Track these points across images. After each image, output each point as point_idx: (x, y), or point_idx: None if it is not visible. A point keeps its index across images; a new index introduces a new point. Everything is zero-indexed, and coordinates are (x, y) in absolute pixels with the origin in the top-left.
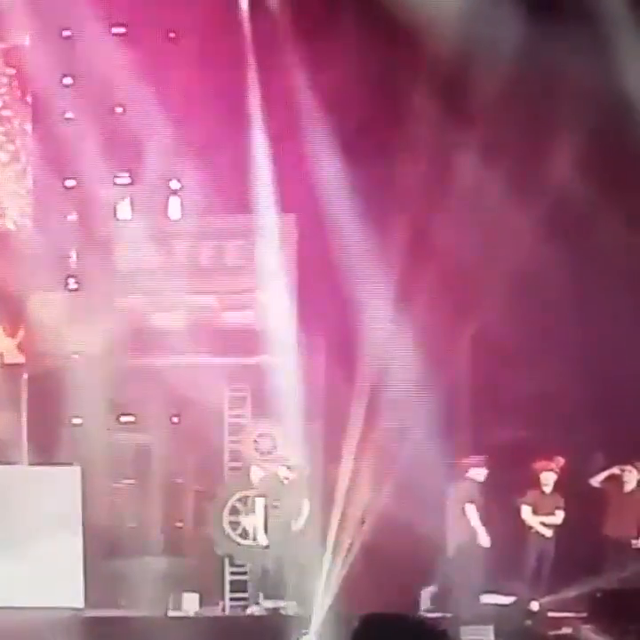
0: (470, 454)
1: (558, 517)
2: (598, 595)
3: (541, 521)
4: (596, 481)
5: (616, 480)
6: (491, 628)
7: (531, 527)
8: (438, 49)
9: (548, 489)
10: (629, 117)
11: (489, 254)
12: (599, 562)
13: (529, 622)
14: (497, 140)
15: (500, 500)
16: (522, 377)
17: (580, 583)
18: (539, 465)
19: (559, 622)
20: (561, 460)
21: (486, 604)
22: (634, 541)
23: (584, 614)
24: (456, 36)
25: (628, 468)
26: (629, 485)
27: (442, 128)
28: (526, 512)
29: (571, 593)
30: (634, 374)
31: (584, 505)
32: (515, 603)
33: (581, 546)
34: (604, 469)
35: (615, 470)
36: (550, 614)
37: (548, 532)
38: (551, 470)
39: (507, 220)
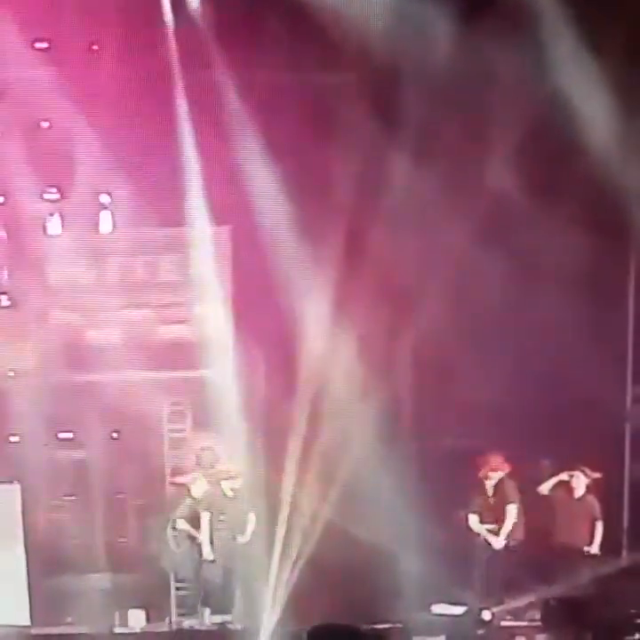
0: (414, 463)
1: (506, 525)
2: (551, 602)
3: (488, 528)
4: (545, 488)
5: (565, 486)
6: (442, 639)
7: (478, 535)
8: (370, 53)
9: (493, 497)
10: (566, 118)
11: (428, 262)
12: (552, 569)
13: (481, 632)
14: (433, 146)
15: (446, 508)
16: (465, 385)
17: (532, 591)
18: (484, 472)
19: (512, 631)
20: (507, 468)
21: (437, 614)
22: (586, 548)
23: (537, 622)
24: (387, 39)
25: (576, 473)
26: (578, 491)
27: (377, 134)
28: (473, 520)
29: (523, 601)
30: (578, 379)
31: (535, 512)
32: (466, 612)
33: (534, 553)
34: (552, 476)
35: (563, 476)
36: (503, 623)
37: (496, 541)
38: (497, 478)
39: (445, 228)
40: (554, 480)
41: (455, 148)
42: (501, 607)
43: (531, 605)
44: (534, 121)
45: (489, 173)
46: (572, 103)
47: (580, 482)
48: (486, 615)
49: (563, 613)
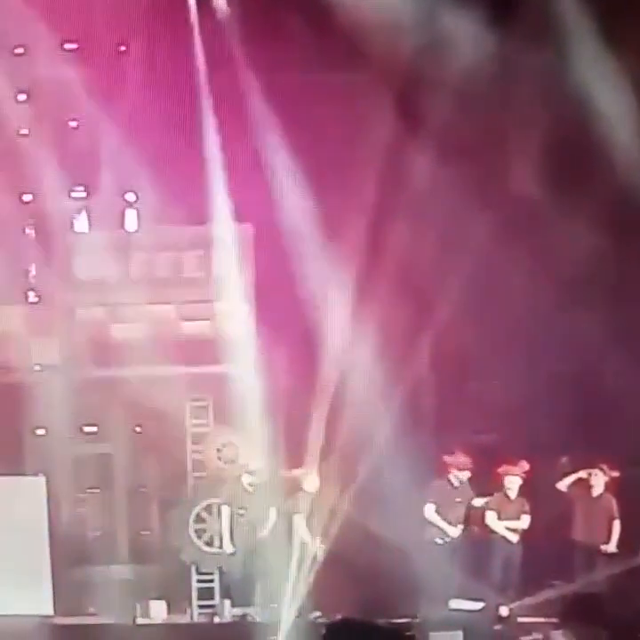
0: (434, 458)
1: (524, 522)
2: (569, 599)
3: (506, 526)
4: (563, 485)
5: (584, 484)
6: (460, 634)
7: (495, 532)
8: (394, 54)
9: (512, 494)
10: (590, 120)
11: (450, 259)
12: (569, 566)
13: (498, 627)
14: (455, 145)
15: (467, 503)
16: (485, 381)
17: (549, 588)
18: (503, 469)
19: (529, 627)
20: (526, 465)
21: (455, 610)
22: (603, 546)
23: (554, 619)
24: (412, 41)
25: (595, 471)
26: (597, 489)
27: (399, 133)
28: (491, 517)
29: (541, 598)
30: (599, 378)
31: (553, 509)
32: (484, 608)
33: (551, 551)
34: (571, 473)
35: (582, 474)
36: (520, 619)
37: (514, 537)
38: (516, 474)
39: (467, 226)
40: (573, 477)
41: (477, 147)
42: (519, 603)
43: (548, 602)
44: (557, 122)
45: (511, 174)
46: (596, 105)
47: (598, 480)
48: (504, 611)
49: (580, 610)
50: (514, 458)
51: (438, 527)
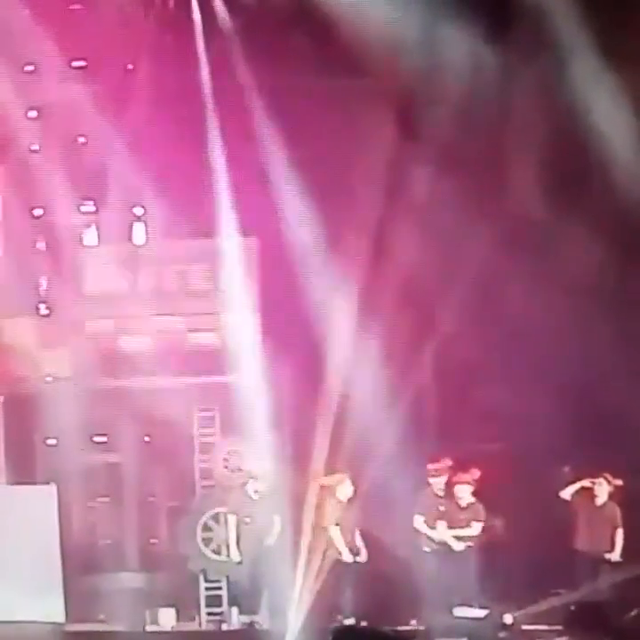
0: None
1: (474, 530)
2: (572, 607)
3: (454, 534)
4: (567, 494)
5: (587, 493)
6: None
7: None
8: (395, 69)
9: (462, 502)
10: (586, 137)
11: (453, 271)
12: (573, 575)
13: (503, 635)
14: (457, 158)
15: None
16: (489, 390)
17: (553, 596)
18: (455, 478)
19: (533, 635)
20: (477, 473)
21: (460, 617)
22: (607, 554)
23: (558, 627)
24: (413, 56)
25: (599, 480)
26: (601, 498)
27: (402, 146)
28: (440, 526)
29: (545, 606)
30: (603, 387)
31: (556, 518)
32: (488, 616)
33: (555, 559)
34: (574, 482)
35: (586, 483)
36: (524, 627)
37: (459, 546)
38: (465, 483)
39: (469, 237)
40: (576, 486)
41: (478, 159)
42: (523, 611)
43: (552, 610)
44: (557, 136)
45: (512, 184)
46: (595, 120)
47: (602, 489)
48: (508, 619)
49: (583, 618)
50: (465, 465)
51: (426, 535)
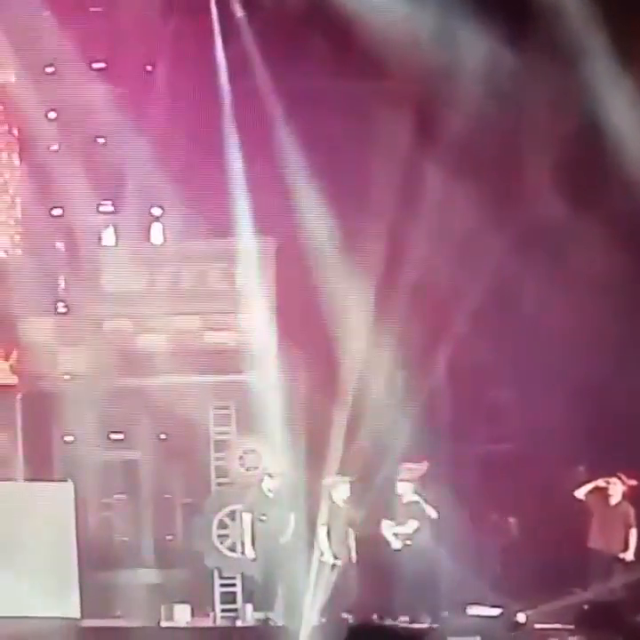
0: (451, 465)
1: (409, 527)
2: (585, 607)
3: (394, 531)
4: (581, 494)
5: (601, 493)
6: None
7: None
8: (412, 72)
9: (404, 499)
10: (602, 139)
11: (467, 272)
12: (586, 574)
13: (515, 634)
14: (472, 159)
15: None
16: (505, 391)
17: (567, 595)
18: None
19: (546, 634)
20: (423, 468)
21: (473, 616)
22: (621, 554)
23: (571, 626)
24: (430, 56)
25: (613, 480)
26: (615, 498)
27: (417, 147)
28: (386, 525)
29: (558, 605)
30: (617, 387)
31: (571, 518)
32: (501, 614)
33: (569, 558)
34: (589, 482)
35: (600, 483)
36: (537, 626)
37: (397, 543)
38: (406, 480)
39: (484, 239)
40: (591, 486)
41: (494, 160)
42: (536, 610)
43: (565, 609)
44: (574, 138)
45: (528, 186)
46: (612, 121)
47: (616, 489)
48: (521, 617)
49: (596, 618)
50: (414, 462)
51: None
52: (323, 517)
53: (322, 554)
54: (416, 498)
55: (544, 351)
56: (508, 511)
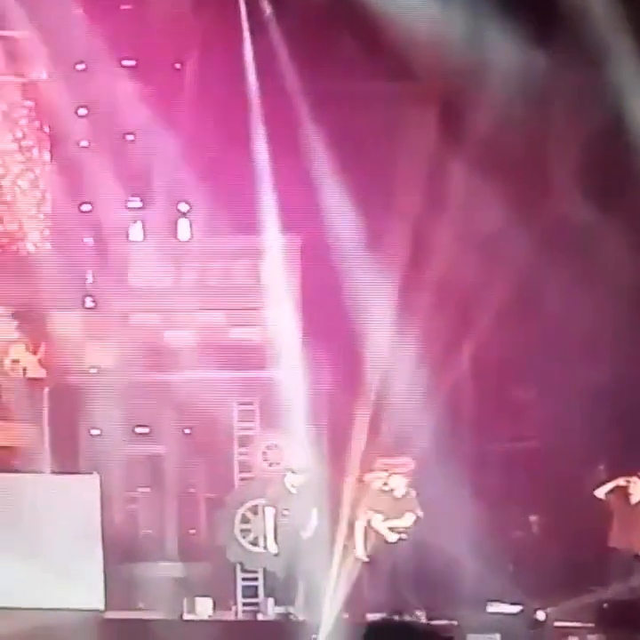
0: (472, 463)
1: (407, 520)
2: (605, 605)
3: (389, 526)
4: (601, 492)
5: (622, 492)
6: (497, 637)
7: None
8: (438, 71)
9: (397, 493)
10: (629, 135)
11: (491, 270)
12: (606, 572)
13: (535, 631)
14: (497, 159)
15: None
16: (526, 388)
17: (587, 593)
18: (388, 470)
19: (566, 632)
20: (411, 463)
21: (493, 613)
22: None
23: (590, 624)
24: (456, 59)
25: (634, 479)
26: (635, 497)
27: (443, 147)
28: (376, 519)
29: (578, 603)
30: (638, 385)
31: (591, 516)
32: (521, 612)
33: (589, 557)
34: (609, 481)
35: (621, 482)
36: (557, 624)
37: (393, 537)
38: (399, 474)
39: (508, 238)
40: (611, 485)
41: (520, 158)
42: (556, 608)
43: (585, 607)
44: (600, 139)
45: (553, 185)
46: (637, 120)
47: (637, 487)
48: (540, 615)
49: (615, 616)
50: (401, 456)
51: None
52: (358, 513)
53: (352, 549)
54: (409, 492)
55: (566, 350)
56: (529, 509)
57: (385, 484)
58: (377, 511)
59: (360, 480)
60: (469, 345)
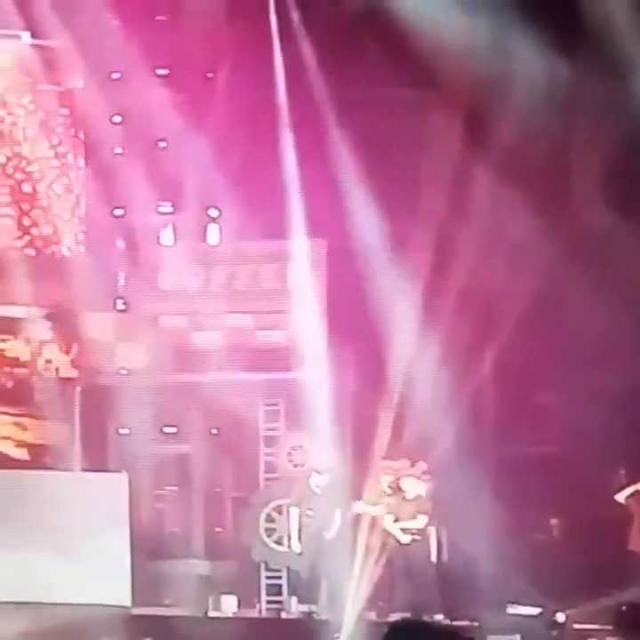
0: (494, 466)
1: (419, 522)
2: (624, 608)
3: (401, 527)
4: (621, 497)
5: None
6: (517, 638)
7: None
8: (463, 80)
9: (409, 495)
10: None
11: (514, 275)
12: (626, 576)
13: (555, 633)
14: (522, 166)
15: (524, 511)
16: (547, 393)
17: (606, 596)
18: (400, 471)
19: (585, 634)
20: (424, 466)
21: (513, 615)
22: None
23: (609, 627)
24: (481, 68)
25: None
26: None
27: (467, 154)
28: (387, 520)
29: (597, 605)
30: None
31: (611, 520)
32: (541, 614)
33: (608, 560)
34: (629, 485)
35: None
36: (576, 626)
37: (406, 538)
38: (412, 476)
39: (532, 243)
40: (631, 489)
41: (544, 166)
42: (575, 610)
43: (604, 609)
44: (623, 147)
45: (576, 193)
46: None
47: None
48: (560, 617)
49: (634, 619)
50: (415, 459)
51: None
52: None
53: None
54: (419, 492)
55: (587, 355)
56: (550, 512)
57: (397, 485)
58: (388, 512)
59: (376, 480)
60: (492, 349)
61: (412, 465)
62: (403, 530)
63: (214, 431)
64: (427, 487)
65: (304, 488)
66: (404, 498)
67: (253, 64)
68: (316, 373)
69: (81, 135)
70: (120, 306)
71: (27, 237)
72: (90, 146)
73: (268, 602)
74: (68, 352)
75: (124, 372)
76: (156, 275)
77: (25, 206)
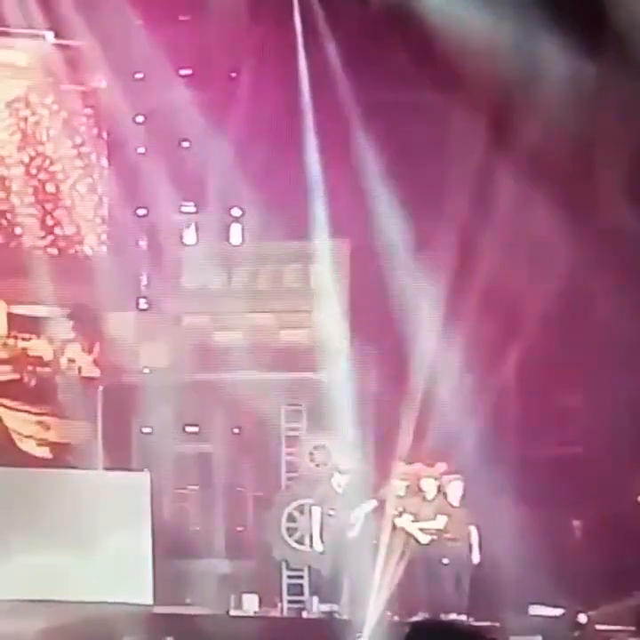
0: (518, 467)
1: (439, 522)
2: None
3: (420, 527)
4: None
5: None
6: (539, 639)
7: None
8: (489, 81)
9: (429, 495)
10: None
11: (537, 276)
12: None
13: (577, 634)
14: (546, 168)
15: (547, 511)
16: (571, 396)
17: (629, 597)
18: (419, 472)
19: (607, 635)
20: (443, 466)
21: (535, 616)
22: None
23: (632, 628)
24: (506, 69)
25: None
26: None
27: (491, 156)
28: (406, 520)
29: (619, 606)
30: None
31: (634, 521)
32: (563, 615)
33: (631, 561)
34: None
35: None
36: (598, 627)
37: (425, 538)
38: (431, 477)
39: (556, 245)
40: None
41: (569, 168)
42: (597, 611)
43: (626, 611)
44: None
45: (602, 192)
46: None
47: None
48: (582, 618)
49: None
50: (432, 459)
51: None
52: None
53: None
54: (438, 492)
55: (612, 356)
56: (573, 513)
57: (417, 486)
58: (407, 512)
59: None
60: (515, 350)
61: (433, 465)
62: (422, 530)
63: (236, 430)
64: (462, 487)
65: (326, 487)
66: (423, 498)
67: (277, 63)
68: (339, 373)
69: (104, 135)
70: (143, 305)
71: (50, 237)
72: (113, 146)
73: (290, 601)
74: (90, 351)
75: (146, 371)
76: (179, 274)
77: (48, 206)
